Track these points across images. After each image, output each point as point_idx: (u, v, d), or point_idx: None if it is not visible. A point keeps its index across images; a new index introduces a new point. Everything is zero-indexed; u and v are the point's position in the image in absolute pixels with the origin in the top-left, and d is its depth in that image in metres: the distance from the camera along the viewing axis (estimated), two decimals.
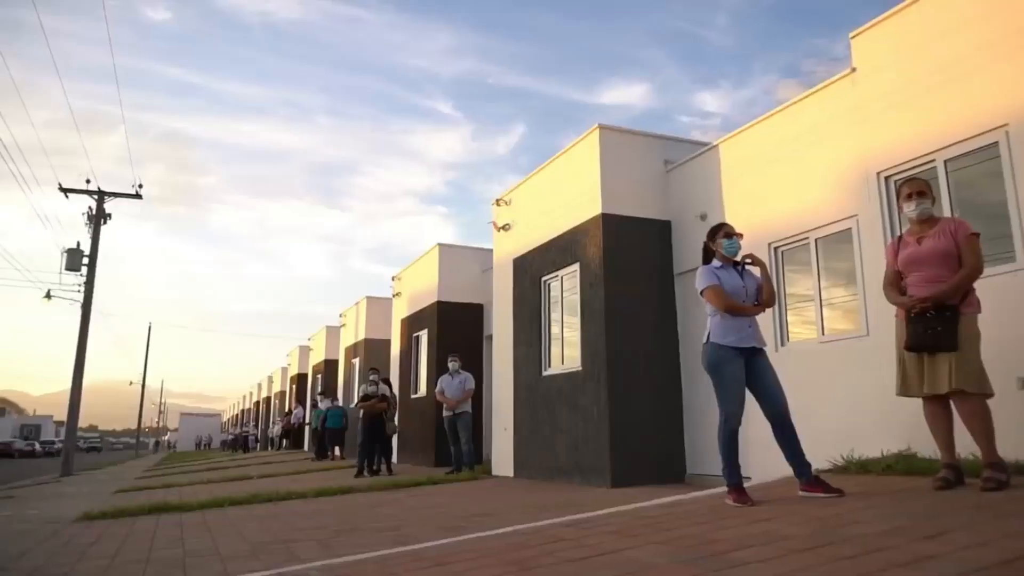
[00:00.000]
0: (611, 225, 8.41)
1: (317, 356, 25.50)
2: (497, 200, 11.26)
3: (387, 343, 17.80)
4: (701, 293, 4.46)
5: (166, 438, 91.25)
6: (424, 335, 14.44)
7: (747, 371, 4.32)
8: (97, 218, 22.39)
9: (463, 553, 3.52)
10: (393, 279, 16.61)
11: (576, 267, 8.91)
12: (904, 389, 4.19)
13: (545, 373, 9.50)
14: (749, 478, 4.81)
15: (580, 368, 8.55)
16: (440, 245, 14.20)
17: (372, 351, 18.83)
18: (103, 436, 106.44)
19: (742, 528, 3.49)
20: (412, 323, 15.25)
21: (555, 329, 9.60)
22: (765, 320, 7.25)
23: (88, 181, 22.05)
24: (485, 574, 3.00)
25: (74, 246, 21.75)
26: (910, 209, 4.29)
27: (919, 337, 4.02)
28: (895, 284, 4.30)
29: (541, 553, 3.31)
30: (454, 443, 10.90)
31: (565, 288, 9.36)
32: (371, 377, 12.23)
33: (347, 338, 21.32)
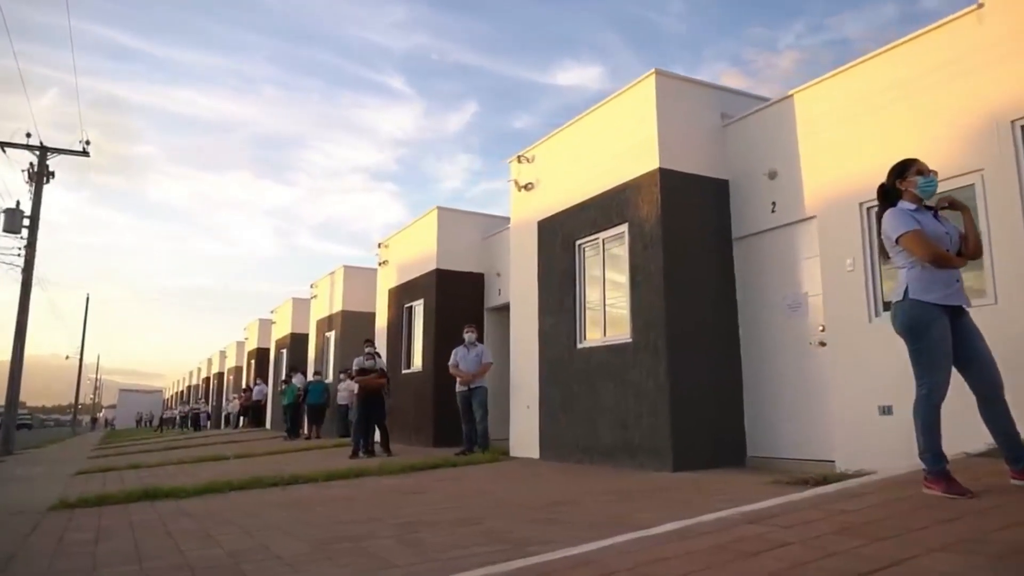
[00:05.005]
0: (669, 181, 7.55)
1: (282, 329, 24.03)
2: (518, 156, 10.24)
3: (368, 315, 16.66)
4: (896, 240, 3.64)
5: (102, 415, 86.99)
6: (419, 306, 13.37)
7: (952, 335, 3.55)
8: (39, 176, 20.48)
9: (658, 563, 2.64)
10: (380, 246, 15.44)
11: (624, 228, 8.03)
12: None
13: (581, 346, 8.63)
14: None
15: (630, 339, 7.71)
16: (440, 208, 13.09)
17: (350, 323, 17.67)
18: (32, 413, 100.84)
19: (1019, 531, 2.72)
20: (403, 293, 14.16)
21: (592, 297, 8.73)
22: (856, 287, 6.57)
23: (28, 136, 20.14)
24: None
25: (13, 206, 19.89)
26: None
27: None
28: None
29: (778, 562, 2.46)
30: (467, 421, 10.00)
31: (607, 251, 8.48)
32: (367, 350, 11.18)
33: (319, 310, 20.02)
